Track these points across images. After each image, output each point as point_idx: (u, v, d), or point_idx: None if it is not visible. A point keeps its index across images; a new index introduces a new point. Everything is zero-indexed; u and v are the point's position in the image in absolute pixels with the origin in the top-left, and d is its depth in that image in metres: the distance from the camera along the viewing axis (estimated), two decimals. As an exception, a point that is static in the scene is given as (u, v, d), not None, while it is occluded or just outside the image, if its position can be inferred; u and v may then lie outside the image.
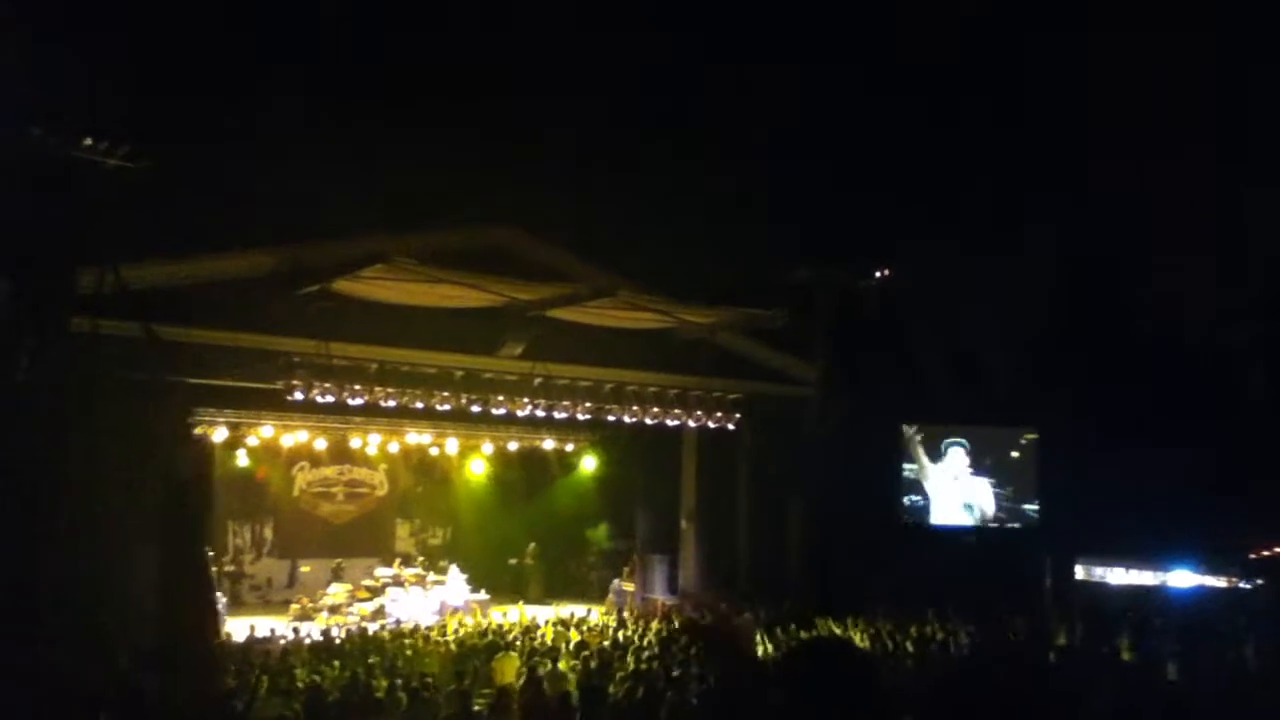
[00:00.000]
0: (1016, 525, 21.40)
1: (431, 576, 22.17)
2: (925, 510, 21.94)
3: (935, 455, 21.92)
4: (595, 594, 23.52)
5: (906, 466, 21.93)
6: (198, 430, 19.00)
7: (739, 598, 19.65)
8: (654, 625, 17.28)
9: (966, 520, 21.73)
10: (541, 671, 11.51)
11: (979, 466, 21.64)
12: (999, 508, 21.57)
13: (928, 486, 21.94)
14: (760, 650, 13.97)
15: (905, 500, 22.01)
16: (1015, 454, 21.62)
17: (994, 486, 21.54)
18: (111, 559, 13.29)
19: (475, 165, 16.84)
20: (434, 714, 9.99)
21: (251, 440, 20.91)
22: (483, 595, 22.08)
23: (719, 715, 8.38)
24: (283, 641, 16.45)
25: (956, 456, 21.74)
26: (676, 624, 16.75)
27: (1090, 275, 20.37)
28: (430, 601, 21.10)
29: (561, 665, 12.53)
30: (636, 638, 15.33)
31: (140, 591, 14.34)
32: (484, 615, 19.98)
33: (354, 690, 10.84)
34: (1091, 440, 19.69)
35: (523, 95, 17.98)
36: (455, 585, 21.79)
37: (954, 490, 21.76)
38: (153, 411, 13.90)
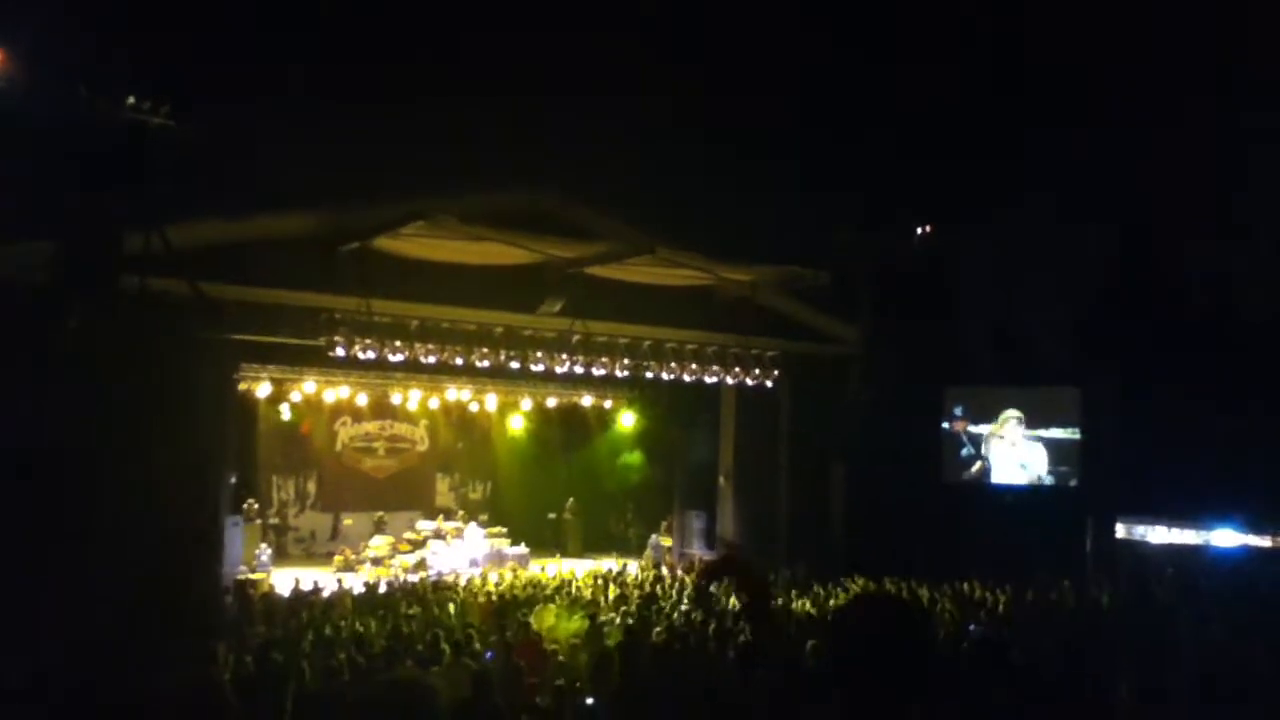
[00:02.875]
0: (1064, 484, 21.25)
1: (463, 526, 22.48)
2: (988, 471, 21.82)
3: (988, 421, 21.78)
4: (633, 549, 23.72)
5: (969, 426, 21.82)
6: (242, 386, 19.29)
7: (776, 554, 19.74)
8: (690, 579, 17.41)
9: (1021, 480, 21.58)
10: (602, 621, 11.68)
11: (1032, 431, 21.49)
12: (1049, 471, 21.44)
13: (986, 450, 21.81)
14: (799, 608, 14.03)
15: (963, 457, 21.90)
16: (1059, 414, 21.44)
17: (1046, 449, 21.40)
18: (160, 516, 13.52)
19: (514, 125, 16.75)
20: (478, 665, 10.14)
21: (295, 396, 21.17)
22: (522, 549, 22.32)
23: (758, 667, 8.44)
24: (326, 593, 16.75)
25: (1010, 424, 21.60)
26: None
27: (1140, 236, 20.01)
28: (467, 554, 21.38)
29: (600, 619, 12.67)
30: (674, 591, 15.46)
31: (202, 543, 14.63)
32: (523, 568, 20.23)
33: (397, 640, 11.02)
34: (1132, 398, 19.45)
35: (564, 56, 17.84)
36: (474, 541, 22.03)
37: (1011, 455, 21.64)
38: (199, 368, 14.10)
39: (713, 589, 13.26)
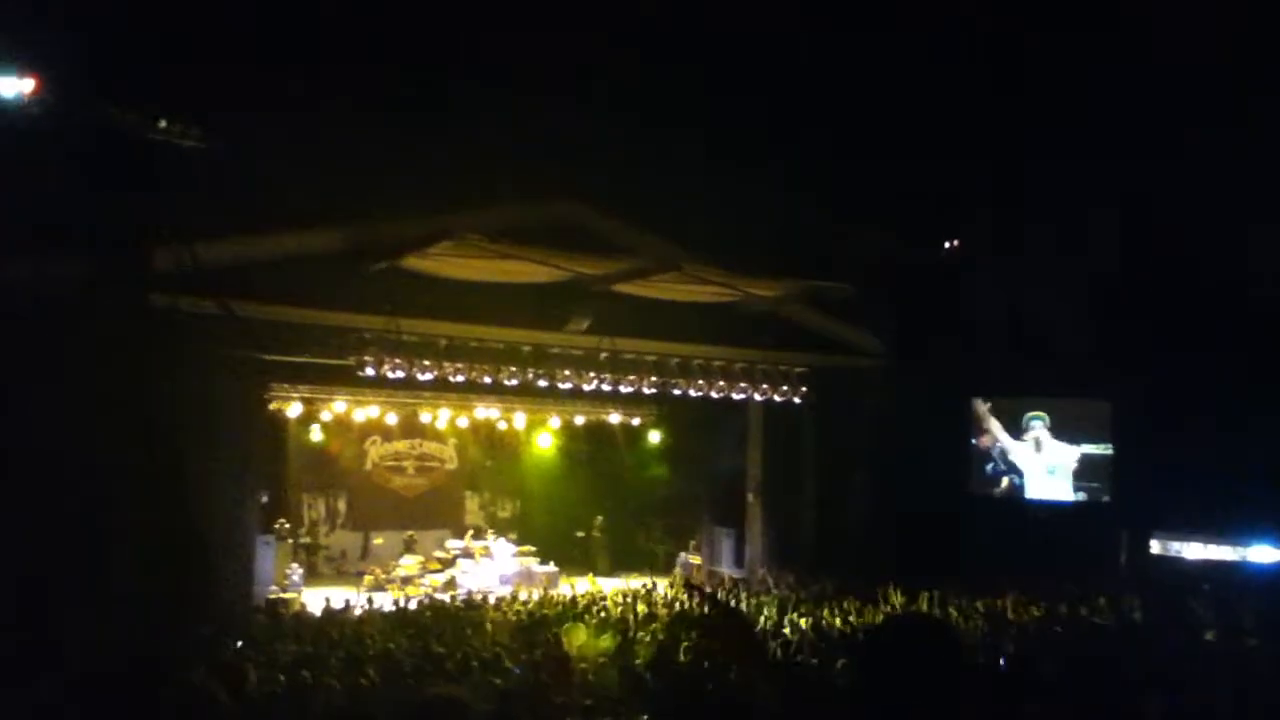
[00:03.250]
0: (1096, 499, 21.03)
1: (492, 544, 22.50)
2: (1020, 487, 21.63)
3: (1016, 432, 21.62)
4: (662, 567, 23.65)
5: (998, 441, 21.65)
6: (273, 406, 19.44)
7: (804, 569, 19.64)
8: (720, 597, 17.33)
9: (1053, 488, 21.37)
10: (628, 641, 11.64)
11: (1059, 435, 21.31)
12: (1077, 486, 21.23)
13: (1016, 461, 21.63)
14: (829, 624, 13.93)
15: (989, 472, 21.73)
16: (1089, 426, 21.24)
17: (1074, 456, 21.20)
18: (188, 532, 13.62)
19: (537, 139, 16.83)
20: (506, 682, 10.13)
21: (325, 415, 21.31)
22: (551, 567, 22.31)
23: (789, 686, 8.37)
24: (357, 612, 16.79)
25: (1037, 428, 21.43)
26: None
27: (1176, 245, 19.77)
28: (496, 572, 21.39)
29: (630, 636, 12.63)
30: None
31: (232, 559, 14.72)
32: (552, 586, 20.21)
33: (426, 659, 11.03)
34: (1165, 411, 19.22)
35: (587, 68, 17.92)
36: (502, 558, 22.03)
37: (1039, 460, 21.45)
38: (229, 387, 14.22)
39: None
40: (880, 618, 13.52)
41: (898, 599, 15.56)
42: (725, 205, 17.38)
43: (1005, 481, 21.61)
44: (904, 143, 19.92)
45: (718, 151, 18.19)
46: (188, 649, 9.85)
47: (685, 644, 11.26)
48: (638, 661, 10.56)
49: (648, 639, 12.47)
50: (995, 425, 21.80)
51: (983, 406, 21.82)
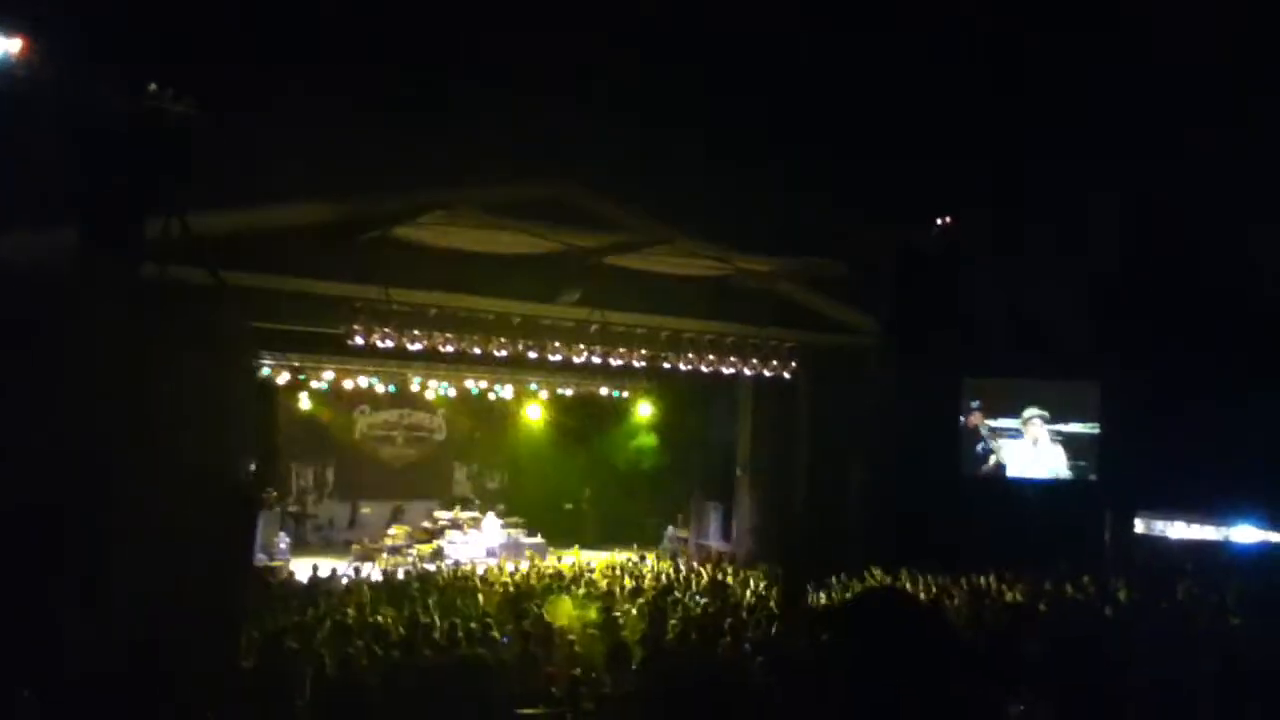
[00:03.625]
0: (1082, 478, 21.15)
1: (480, 515, 22.56)
2: (1002, 467, 21.73)
3: (1012, 431, 21.67)
4: (650, 539, 23.75)
5: (987, 424, 21.73)
6: (262, 374, 19.40)
7: (792, 545, 19.73)
8: (706, 571, 17.42)
9: (1040, 475, 21.49)
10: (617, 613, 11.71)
11: (1055, 432, 21.38)
12: (1068, 467, 21.35)
13: (1004, 456, 21.71)
14: (814, 601, 14.04)
15: (980, 452, 21.80)
16: (1078, 408, 21.33)
17: (1065, 450, 21.30)
18: (183, 503, 13.59)
19: (532, 116, 16.72)
20: (493, 654, 10.18)
21: (314, 384, 21.28)
22: (539, 539, 22.38)
23: (776, 661, 8.44)
24: (344, 581, 16.84)
25: (1035, 425, 21.48)
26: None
27: (1162, 225, 19.81)
28: (484, 543, 21.46)
29: (616, 610, 12.70)
30: (689, 583, 15.48)
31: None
32: (540, 559, 20.28)
33: (414, 629, 11.07)
34: (1151, 392, 19.33)
35: (582, 47, 17.78)
36: (490, 530, 22.09)
37: (1032, 454, 21.54)
38: (218, 355, 14.14)
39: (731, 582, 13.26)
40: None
41: (880, 577, 15.68)
42: (721, 187, 17.31)
43: (993, 461, 21.71)
44: (899, 121, 19.87)
45: (717, 145, 18.13)
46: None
47: (673, 621, 11.35)
48: (624, 635, 10.63)
49: (634, 612, 12.55)
50: (985, 405, 21.82)
51: (974, 385, 21.86)
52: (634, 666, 8.78)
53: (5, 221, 11.54)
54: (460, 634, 10.60)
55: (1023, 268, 20.78)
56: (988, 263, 21.11)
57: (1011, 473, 21.58)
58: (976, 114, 19.91)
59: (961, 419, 21.90)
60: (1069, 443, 21.26)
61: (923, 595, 13.87)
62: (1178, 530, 20.62)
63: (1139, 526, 20.76)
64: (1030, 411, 21.47)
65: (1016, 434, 21.62)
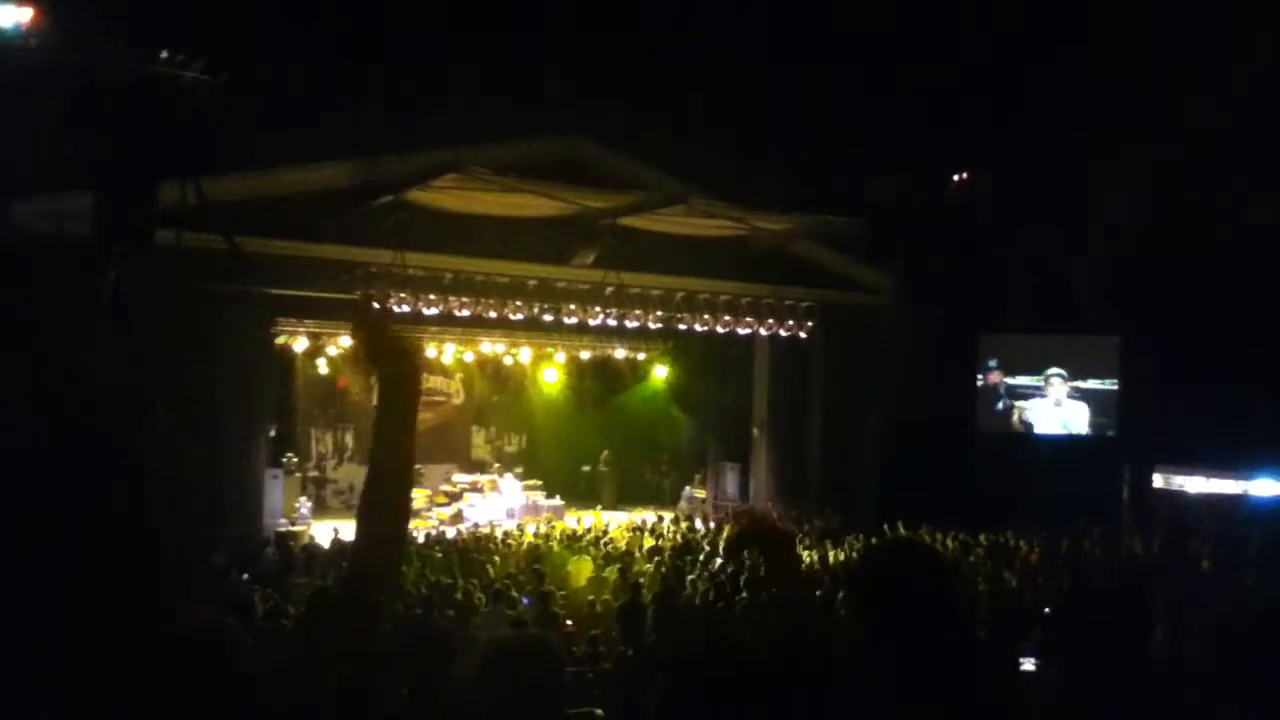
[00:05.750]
0: (1101, 434, 21.10)
1: (498, 478, 22.66)
2: (1027, 425, 21.65)
3: (1033, 389, 21.55)
4: (668, 500, 23.83)
5: (1005, 382, 21.63)
6: (280, 340, 19.48)
7: (809, 505, 19.78)
8: (726, 530, 17.48)
9: (1063, 425, 21.43)
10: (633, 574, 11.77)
11: (1075, 389, 21.29)
12: (1089, 424, 21.30)
13: (1029, 416, 21.62)
14: (831, 558, 14.07)
15: (999, 410, 21.72)
16: (1098, 365, 21.22)
17: (1089, 406, 21.23)
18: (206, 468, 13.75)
19: (545, 76, 16.66)
20: (513, 614, 10.28)
21: (331, 350, 21.34)
22: (558, 501, 22.48)
23: (791, 617, 8.48)
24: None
25: (1056, 384, 21.38)
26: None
27: (1181, 180, 19.58)
28: (503, 506, 21.58)
29: (635, 569, 12.78)
30: (707, 543, 15.54)
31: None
32: (559, 520, 20.39)
33: (435, 591, 11.17)
34: (1172, 345, 19.18)
35: (593, 8, 17.67)
36: (509, 492, 22.18)
37: (1054, 414, 21.47)
38: (235, 321, 14.23)
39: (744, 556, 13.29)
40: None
41: (898, 534, 15.68)
42: (735, 140, 17.22)
43: (1015, 418, 21.64)
44: (915, 77, 19.67)
45: (728, 87, 18.00)
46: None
47: (691, 577, 11.40)
48: (643, 595, 10.69)
49: (652, 571, 12.63)
50: (1004, 363, 21.71)
51: (991, 342, 21.74)
52: (650, 625, 8.85)
53: (22, 189, 11.59)
54: (480, 594, 10.70)
55: (1040, 220, 20.62)
56: (1004, 215, 20.96)
57: (1039, 430, 21.53)
58: (995, 68, 19.68)
59: (979, 377, 21.81)
60: (1089, 399, 21.18)
61: (943, 551, 13.90)
62: (1196, 484, 20.53)
63: (1158, 481, 20.69)
64: (1052, 370, 21.38)
65: (1038, 392, 21.53)
